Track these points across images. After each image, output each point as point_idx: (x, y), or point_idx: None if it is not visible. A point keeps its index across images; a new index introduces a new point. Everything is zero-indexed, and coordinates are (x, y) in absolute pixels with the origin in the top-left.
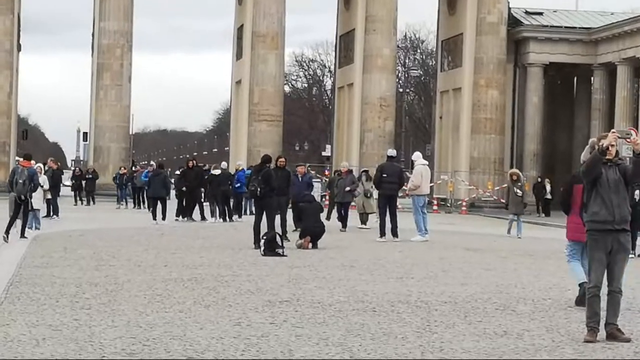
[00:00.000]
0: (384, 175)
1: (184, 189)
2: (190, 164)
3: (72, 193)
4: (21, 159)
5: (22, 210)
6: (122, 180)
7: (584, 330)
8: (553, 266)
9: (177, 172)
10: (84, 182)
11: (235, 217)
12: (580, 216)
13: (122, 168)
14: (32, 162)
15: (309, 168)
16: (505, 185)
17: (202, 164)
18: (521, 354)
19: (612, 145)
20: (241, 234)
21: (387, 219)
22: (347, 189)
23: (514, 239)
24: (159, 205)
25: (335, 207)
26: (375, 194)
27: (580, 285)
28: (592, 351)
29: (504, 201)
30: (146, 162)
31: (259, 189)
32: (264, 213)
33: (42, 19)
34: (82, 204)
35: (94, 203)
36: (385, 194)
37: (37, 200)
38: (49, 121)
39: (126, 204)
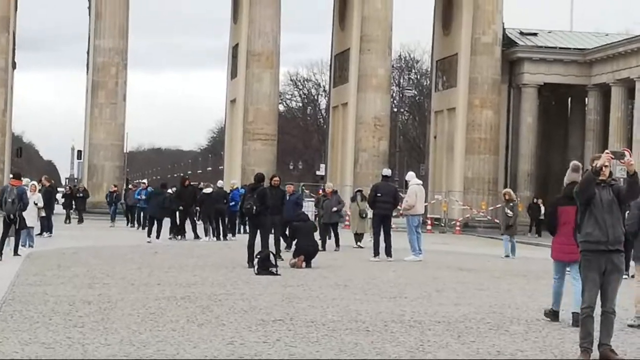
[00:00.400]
0: (379, 194)
1: (180, 208)
2: (186, 182)
3: (64, 211)
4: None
5: (13, 228)
6: (112, 198)
7: (577, 351)
8: (547, 286)
9: (170, 191)
10: (74, 201)
11: (229, 235)
12: (574, 237)
13: (113, 186)
14: (23, 180)
15: (302, 187)
16: (500, 205)
17: (195, 182)
18: None
19: (606, 166)
20: (235, 253)
21: (381, 238)
22: (334, 209)
23: (508, 259)
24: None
25: (322, 228)
26: (370, 213)
27: (554, 311)
28: None
29: (497, 221)
30: (138, 181)
31: (254, 208)
32: (258, 232)
33: (38, 37)
34: (75, 222)
35: (80, 222)
36: (380, 214)
37: (32, 218)
38: (44, 139)
39: (113, 221)
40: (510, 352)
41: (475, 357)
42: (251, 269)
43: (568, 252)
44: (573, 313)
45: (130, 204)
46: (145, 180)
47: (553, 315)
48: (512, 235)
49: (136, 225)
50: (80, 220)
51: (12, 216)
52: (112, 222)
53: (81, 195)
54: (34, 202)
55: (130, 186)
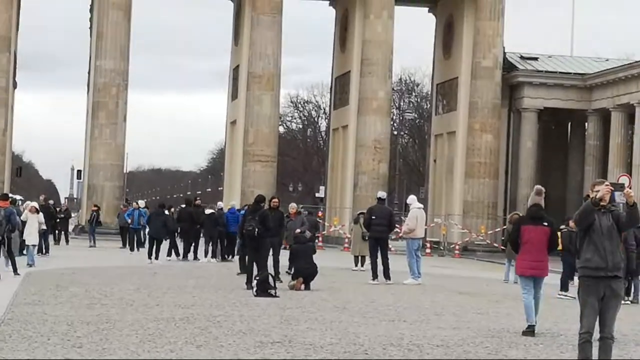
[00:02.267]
0: (373, 217)
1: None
2: (197, 202)
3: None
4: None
5: (5, 249)
6: (92, 218)
7: None
8: (545, 311)
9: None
10: (56, 222)
11: (229, 257)
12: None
13: (94, 206)
14: (9, 200)
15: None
16: (499, 229)
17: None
18: None
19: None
20: (234, 274)
21: (379, 261)
22: (297, 230)
23: (507, 284)
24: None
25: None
26: None
27: (528, 326)
28: None
29: (497, 245)
30: (127, 202)
31: (256, 230)
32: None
33: (39, 56)
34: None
35: (67, 243)
36: (374, 237)
37: (33, 237)
38: (44, 158)
39: (93, 241)
40: None
41: None
42: (250, 291)
43: (530, 268)
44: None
45: (121, 225)
46: (142, 201)
47: (529, 330)
48: (512, 259)
49: (128, 247)
50: (62, 241)
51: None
52: (91, 242)
53: (62, 215)
54: (40, 222)
55: (121, 206)
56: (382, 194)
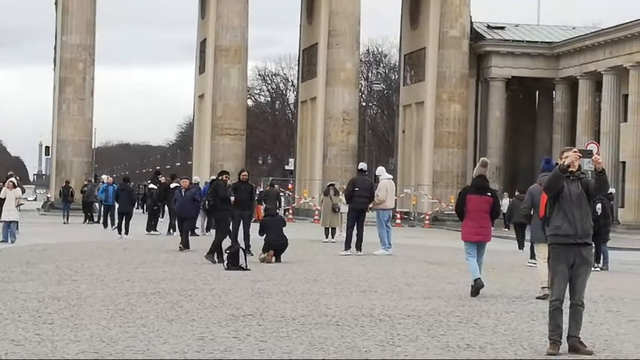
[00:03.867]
0: (357, 189)
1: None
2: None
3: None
4: None
5: None
6: (66, 194)
7: (546, 343)
8: (515, 279)
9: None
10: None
11: (197, 230)
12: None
13: (65, 182)
14: None
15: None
16: None
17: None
18: None
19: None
20: (205, 248)
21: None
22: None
23: None
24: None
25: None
26: (344, 207)
27: (475, 280)
28: None
29: None
30: (96, 178)
31: (207, 203)
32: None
33: (3, 32)
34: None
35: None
36: (356, 208)
37: (12, 212)
38: (11, 135)
39: (67, 218)
40: (479, 344)
41: (444, 351)
42: (221, 264)
43: (475, 234)
44: (474, 282)
45: (90, 200)
46: (105, 176)
47: (475, 289)
48: None
49: (102, 221)
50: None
51: None
52: (65, 219)
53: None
54: (16, 197)
55: (85, 182)
56: (364, 165)
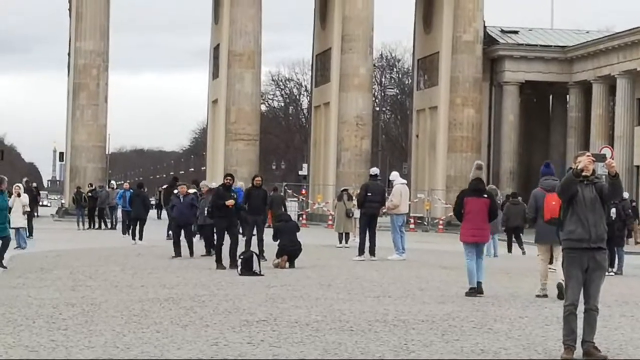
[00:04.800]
0: (369, 194)
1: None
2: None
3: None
4: None
5: None
6: (80, 200)
7: (560, 348)
8: (529, 284)
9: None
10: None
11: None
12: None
13: (77, 188)
14: None
15: (285, 187)
16: None
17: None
18: None
19: (587, 168)
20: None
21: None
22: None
23: (489, 258)
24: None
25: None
26: (357, 212)
27: (471, 288)
28: None
29: None
30: (103, 183)
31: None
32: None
33: (17, 38)
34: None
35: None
36: (369, 213)
37: (20, 219)
38: (25, 141)
39: (82, 224)
40: (494, 350)
41: (459, 356)
42: (234, 270)
43: (472, 235)
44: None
45: (110, 205)
46: (114, 182)
47: (471, 292)
48: (494, 233)
49: (121, 227)
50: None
51: None
52: (79, 226)
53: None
54: (22, 205)
55: (94, 187)
56: (375, 170)
